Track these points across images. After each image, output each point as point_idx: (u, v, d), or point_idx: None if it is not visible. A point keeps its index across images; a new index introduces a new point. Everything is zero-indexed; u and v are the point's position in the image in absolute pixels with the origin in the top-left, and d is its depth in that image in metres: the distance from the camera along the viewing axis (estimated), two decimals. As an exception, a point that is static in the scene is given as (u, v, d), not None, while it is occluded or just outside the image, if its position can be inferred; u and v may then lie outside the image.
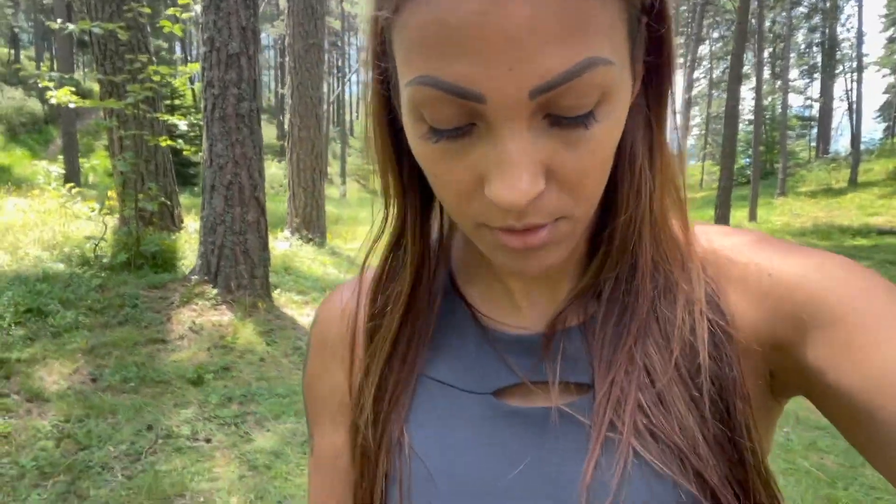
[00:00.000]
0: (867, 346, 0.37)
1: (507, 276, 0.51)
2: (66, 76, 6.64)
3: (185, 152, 6.74)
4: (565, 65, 0.34)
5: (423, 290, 0.52)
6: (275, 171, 24.15)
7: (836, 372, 0.38)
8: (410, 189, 0.49)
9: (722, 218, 13.56)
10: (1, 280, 5.11)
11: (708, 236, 0.49)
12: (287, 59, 9.94)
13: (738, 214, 20.18)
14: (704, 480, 0.41)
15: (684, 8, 31.94)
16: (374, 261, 0.54)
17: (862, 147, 27.98)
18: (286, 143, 10.22)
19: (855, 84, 33.20)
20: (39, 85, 5.84)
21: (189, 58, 37.49)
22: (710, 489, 0.41)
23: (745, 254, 0.46)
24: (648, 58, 0.42)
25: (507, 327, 0.50)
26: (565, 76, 0.34)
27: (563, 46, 0.33)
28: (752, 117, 27.75)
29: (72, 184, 7.68)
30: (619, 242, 0.47)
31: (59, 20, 5.70)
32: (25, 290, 4.84)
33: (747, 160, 30.10)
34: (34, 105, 28.31)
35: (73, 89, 5.91)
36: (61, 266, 5.76)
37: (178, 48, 37.00)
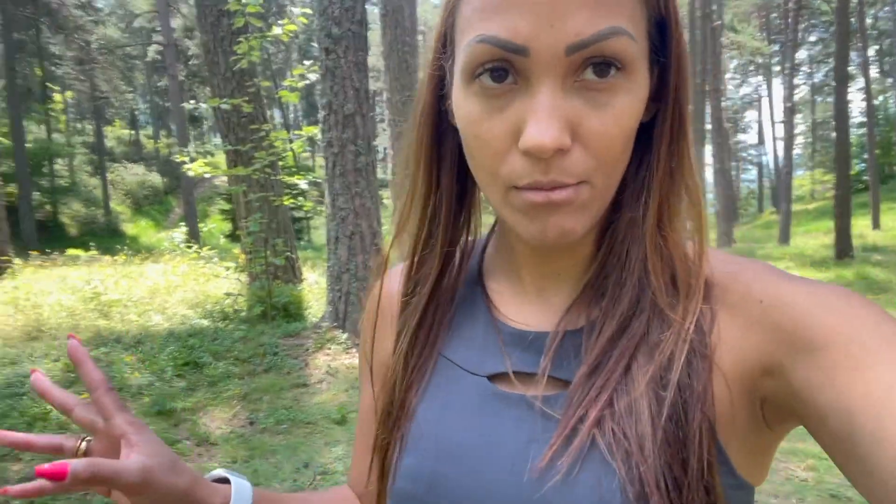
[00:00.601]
0: (852, 371, 0.38)
1: (525, 267, 0.56)
2: (183, 149, 7.27)
3: (304, 208, 7.21)
4: (596, 27, 0.41)
5: (447, 281, 0.59)
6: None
7: (822, 395, 0.39)
8: (445, 183, 0.55)
9: (843, 229, 12.69)
10: (157, 337, 5.66)
11: (710, 262, 0.50)
12: (386, 112, 10.47)
13: (860, 223, 18.83)
14: (640, 475, 0.42)
15: (775, 15, 30.81)
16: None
17: None
18: (389, 190, 10.68)
19: (978, 71, 30.58)
20: (177, 159, 6.50)
21: (287, 122, 39.83)
22: (640, 481, 0.42)
23: (741, 282, 0.48)
24: (662, 59, 0.47)
25: (511, 322, 0.55)
26: (596, 37, 0.41)
27: (595, 13, 0.40)
28: (861, 120, 26.13)
29: (208, 246, 8.37)
30: (621, 239, 0.50)
31: (192, 101, 6.35)
32: (180, 346, 5.34)
33: (862, 165, 28.23)
34: (155, 178, 31.03)
35: (206, 161, 6.54)
36: (205, 322, 6.30)
37: (276, 114, 39.39)
